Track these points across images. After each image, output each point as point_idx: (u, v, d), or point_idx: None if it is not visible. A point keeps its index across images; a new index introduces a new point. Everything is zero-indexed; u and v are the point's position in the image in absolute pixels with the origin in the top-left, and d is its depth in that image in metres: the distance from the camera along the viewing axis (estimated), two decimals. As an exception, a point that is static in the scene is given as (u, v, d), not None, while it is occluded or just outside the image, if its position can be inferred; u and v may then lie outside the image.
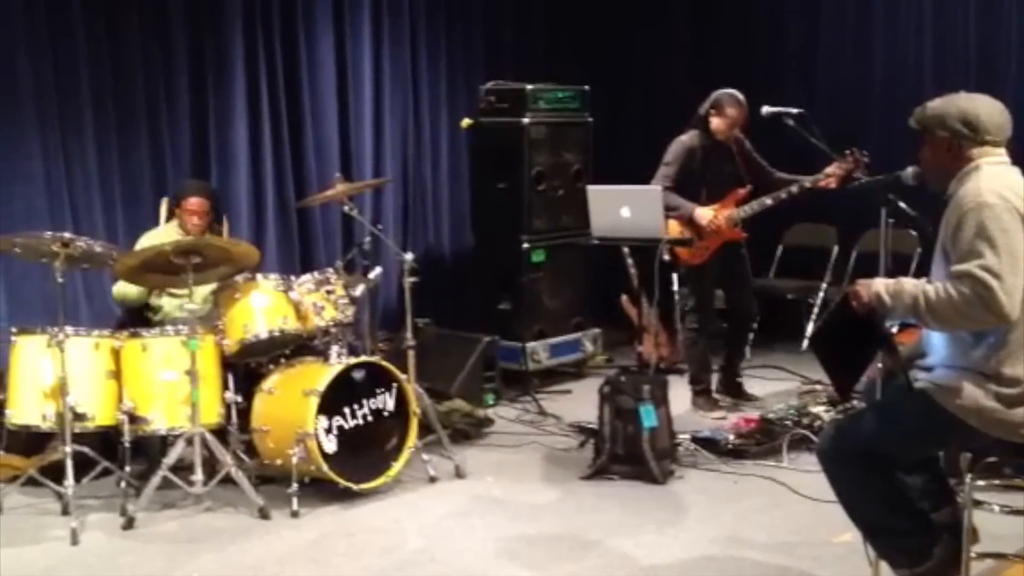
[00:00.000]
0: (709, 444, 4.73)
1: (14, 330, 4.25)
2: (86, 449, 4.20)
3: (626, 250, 4.91)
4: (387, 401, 4.43)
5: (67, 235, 4.07)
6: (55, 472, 4.10)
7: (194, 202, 4.81)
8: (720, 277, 5.37)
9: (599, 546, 3.83)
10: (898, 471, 3.00)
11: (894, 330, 3.20)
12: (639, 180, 5.03)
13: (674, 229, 5.18)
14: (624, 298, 6.09)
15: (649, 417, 4.40)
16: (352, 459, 4.28)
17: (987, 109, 2.88)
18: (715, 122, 5.17)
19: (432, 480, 4.50)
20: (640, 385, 4.46)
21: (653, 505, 4.19)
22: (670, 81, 7.36)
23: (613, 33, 7.39)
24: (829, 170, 4.95)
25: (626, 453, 4.45)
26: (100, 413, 4.17)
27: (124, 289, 4.73)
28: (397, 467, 4.41)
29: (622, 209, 4.70)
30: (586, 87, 6.28)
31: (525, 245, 6.01)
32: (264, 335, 4.37)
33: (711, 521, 4.02)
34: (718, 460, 4.63)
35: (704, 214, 5.15)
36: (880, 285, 2.85)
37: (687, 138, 5.22)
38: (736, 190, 5.21)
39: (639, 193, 4.80)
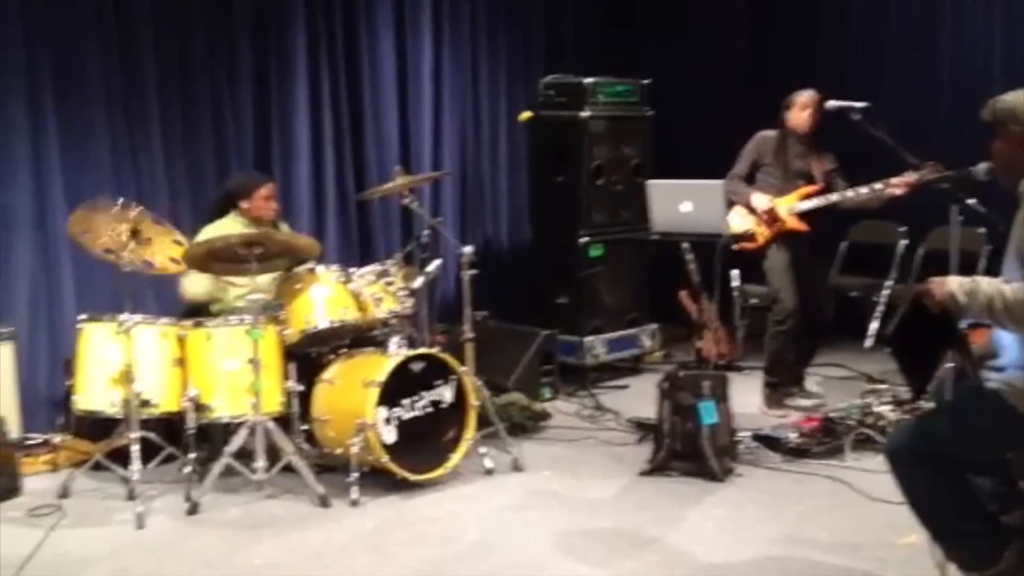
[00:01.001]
0: (770, 442, 4.68)
1: (83, 317, 4.35)
2: (151, 435, 4.30)
3: (686, 245, 4.87)
4: (445, 393, 4.45)
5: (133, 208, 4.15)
6: (121, 457, 4.19)
7: (269, 188, 4.86)
8: (794, 273, 5.28)
9: (658, 542, 3.80)
10: (968, 473, 2.94)
11: (965, 328, 3.14)
12: (698, 175, 4.99)
13: (738, 214, 5.23)
14: (683, 293, 6.03)
15: (709, 413, 4.36)
16: (411, 450, 4.31)
17: (1062, 106, 2.81)
18: (790, 116, 5.20)
19: (489, 472, 4.51)
20: (700, 381, 4.43)
21: (713, 502, 4.16)
22: (730, 76, 7.28)
23: (674, 26, 7.33)
24: (896, 180, 4.82)
25: (685, 450, 4.42)
26: (165, 400, 4.25)
27: (192, 288, 4.71)
28: (455, 459, 4.43)
29: (682, 204, 4.68)
30: (645, 81, 6.23)
31: (583, 239, 6.00)
32: (325, 325, 4.41)
33: (772, 520, 3.97)
34: (779, 459, 4.58)
35: (760, 199, 5.16)
36: (954, 284, 2.79)
37: (767, 132, 5.29)
38: (804, 185, 5.19)
39: (701, 188, 4.77)
